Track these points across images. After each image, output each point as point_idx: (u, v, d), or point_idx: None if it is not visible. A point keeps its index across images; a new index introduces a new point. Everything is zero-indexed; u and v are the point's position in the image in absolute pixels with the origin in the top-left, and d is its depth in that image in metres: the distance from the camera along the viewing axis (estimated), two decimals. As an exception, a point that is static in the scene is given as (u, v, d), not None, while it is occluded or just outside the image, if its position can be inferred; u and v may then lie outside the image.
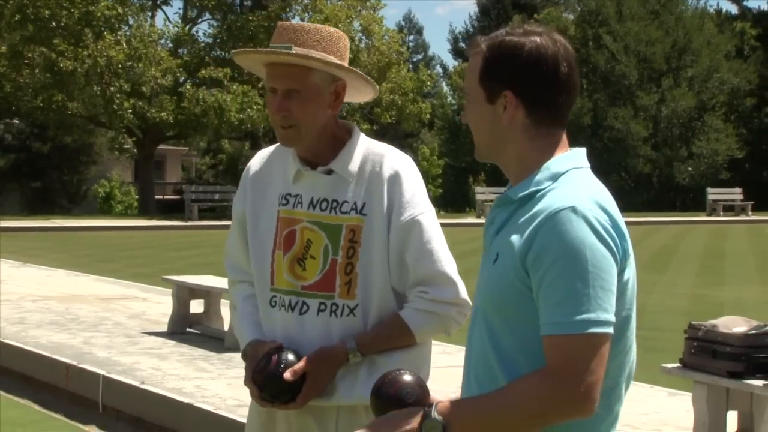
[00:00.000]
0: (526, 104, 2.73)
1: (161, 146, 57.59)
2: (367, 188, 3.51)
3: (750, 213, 47.40)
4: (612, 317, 2.56)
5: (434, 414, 2.63)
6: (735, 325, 7.08)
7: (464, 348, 2.92)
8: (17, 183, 61.72)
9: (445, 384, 10.42)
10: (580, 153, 2.83)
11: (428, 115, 57.05)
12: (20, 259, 23.36)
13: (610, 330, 2.56)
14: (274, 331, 3.52)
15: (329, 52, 3.53)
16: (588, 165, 2.83)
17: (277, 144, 3.71)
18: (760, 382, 6.77)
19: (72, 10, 47.47)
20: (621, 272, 2.66)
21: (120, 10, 49.77)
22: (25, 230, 36.12)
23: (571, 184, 2.71)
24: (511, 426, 2.67)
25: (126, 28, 50.59)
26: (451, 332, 3.61)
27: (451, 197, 58.41)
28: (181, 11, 54.64)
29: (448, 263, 3.51)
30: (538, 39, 2.73)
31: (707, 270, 22.67)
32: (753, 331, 6.95)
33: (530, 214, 2.67)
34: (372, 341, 3.44)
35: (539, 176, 2.74)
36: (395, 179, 3.52)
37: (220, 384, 9.90)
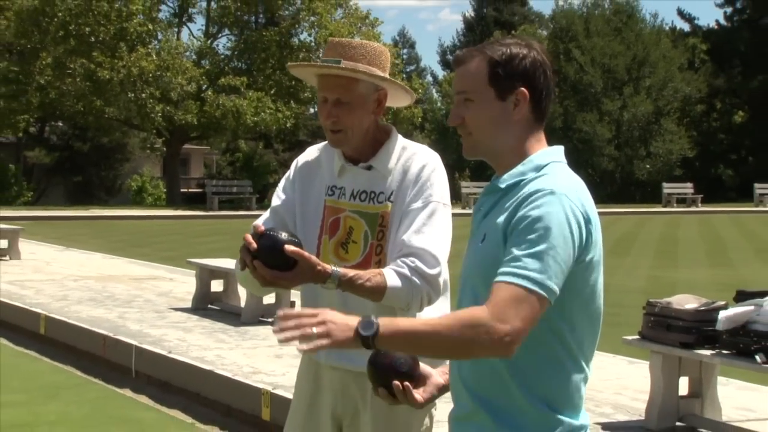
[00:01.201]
0: (533, 101, 2.78)
1: (186, 145, 57.43)
2: (398, 180, 3.61)
3: (700, 205, 47.38)
4: (554, 286, 2.57)
5: (372, 317, 2.64)
6: (686, 302, 7.08)
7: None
8: (61, 177, 61.56)
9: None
10: (559, 150, 2.87)
11: (420, 119, 56.93)
12: (63, 243, 23.32)
13: (548, 295, 2.56)
14: (317, 302, 3.54)
15: (373, 64, 3.62)
16: (565, 161, 2.85)
17: (325, 142, 3.75)
18: (707, 352, 6.79)
19: (108, 26, 47.41)
20: (585, 252, 2.68)
21: (150, 26, 49.73)
22: (68, 219, 36.01)
23: (552, 174, 2.74)
24: (433, 344, 2.64)
25: (156, 42, 50.43)
26: (412, 307, 3.49)
27: (438, 190, 58.44)
28: (203, 27, 54.43)
29: (439, 249, 3.50)
30: (532, 50, 2.81)
31: (663, 254, 22.65)
32: (702, 308, 6.96)
33: (514, 199, 2.71)
34: (353, 276, 3.39)
35: (524, 167, 2.77)
36: (422, 173, 3.60)
37: (237, 353, 9.90)
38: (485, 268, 2.70)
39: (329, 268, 3.38)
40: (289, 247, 3.32)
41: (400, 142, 3.70)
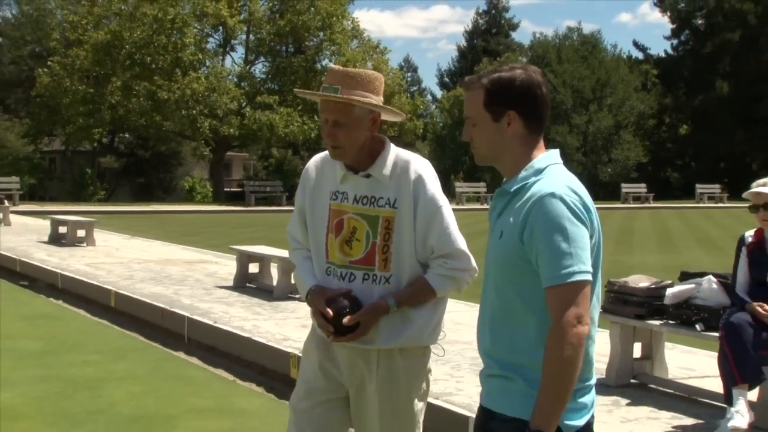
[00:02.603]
0: (524, 118, 2.84)
1: (228, 153, 57.51)
2: (397, 187, 3.54)
3: (651, 202, 47.28)
4: (589, 267, 2.71)
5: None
6: (640, 281, 7.10)
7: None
8: (127, 179, 61.79)
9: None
10: (555, 153, 2.93)
11: (421, 130, 56.88)
12: (129, 233, 23.32)
13: (589, 277, 2.70)
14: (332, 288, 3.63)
15: (368, 90, 3.51)
16: (561, 161, 2.92)
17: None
18: (657, 322, 6.82)
19: (166, 55, 47.49)
20: (590, 236, 2.76)
21: (200, 55, 49.86)
22: (133, 213, 36.08)
23: (551, 176, 2.81)
24: (565, 388, 2.66)
25: (204, 68, 50.47)
26: (461, 290, 3.69)
27: (437, 190, 58.40)
28: (243, 55, 54.43)
29: (462, 242, 3.59)
30: (522, 72, 2.86)
31: (621, 242, 22.60)
32: (653, 286, 6.97)
33: (522, 200, 2.79)
34: (407, 298, 3.52)
35: (526, 173, 2.84)
36: (419, 181, 3.55)
37: (270, 323, 9.88)
38: (503, 260, 2.82)
39: (385, 303, 3.49)
40: (346, 320, 3.43)
41: (393, 151, 3.64)
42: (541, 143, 2.91)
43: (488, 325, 2.89)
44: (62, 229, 20.22)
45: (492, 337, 2.87)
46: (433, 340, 3.66)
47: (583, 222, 2.74)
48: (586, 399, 2.79)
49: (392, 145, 3.65)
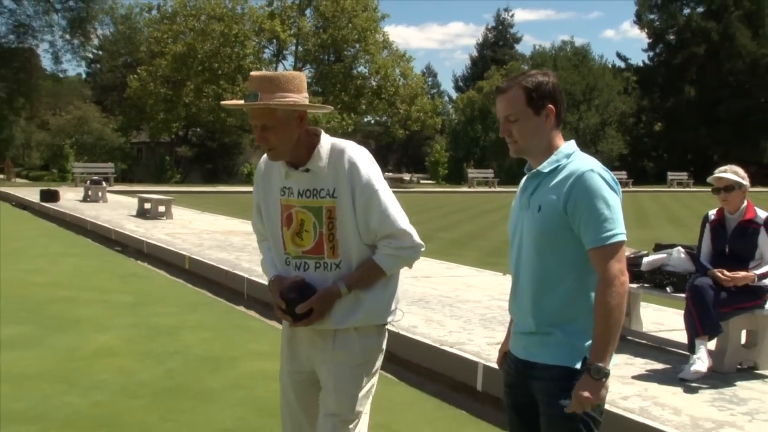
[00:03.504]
0: (556, 113, 2.87)
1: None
2: (334, 177, 3.14)
3: (631, 186, 46.93)
4: (624, 229, 2.75)
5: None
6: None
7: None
8: (197, 165, 62.02)
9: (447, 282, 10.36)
10: (573, 142, 2.93)
11: (439, 126, 56.81)
12: (199, 209, 23.47)
13: (625, 237, 2.74)
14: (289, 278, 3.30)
15: (287, 90, 3.11)
16: (579, 149, 2.91)
17: None
18: (635, 285, 6.79)
19: (230, 63, 47.91)
20: None
21: (258, 63, 50.00)
22: (202, 193, 36.25)
23: (581, 158, 2.84)
24: (619, 314, 2.69)
25: (261, 73, 50.57)
26: (411, 265, 3.31)
27: (452, 176, 57.96)
28: (293, 63, 54.41)
29: (402, 221, 3.19)
30: (551, 76, 2.90)
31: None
32: (631, 255, 6.94)
33: (560, 177, 2.78)
34: (357, 280, 3.17)
35: (557, 157, 2.85)
36: (353, 168, 3.14)
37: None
38: (547, 231, 2.77)
39: (336, 288, 3.17)
40: (297, 309, 3.14)
41: (328, 143, 3.21)
42: (561, 134, 2.93)
43: (527, 288, 2.85)
44: (147, 206, 20.55)
45: (531, 297, 2.83)
46: (385, 318, 3.28)
47: (616, 193, 2.76)
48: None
49: (327, 137, 3.25)
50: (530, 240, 2.82)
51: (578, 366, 2.70)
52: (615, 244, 2.70)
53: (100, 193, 26.63)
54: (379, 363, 3.34)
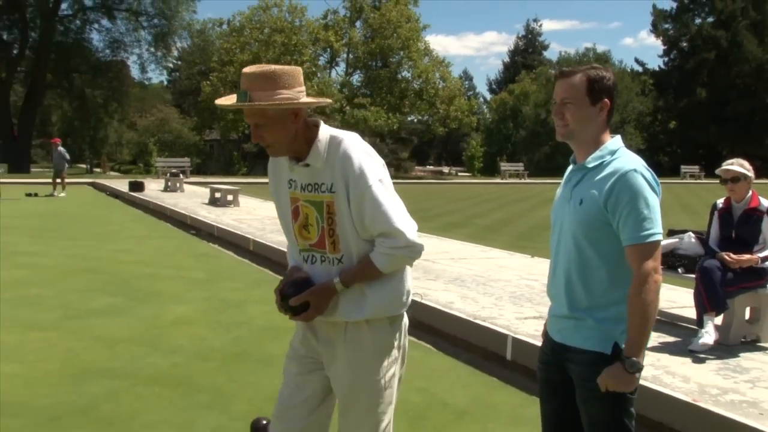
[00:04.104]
0: (609, 109, 2.70)
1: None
2: (332, 171, 2.72)
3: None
4: (661, 230, 2.58)
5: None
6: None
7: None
8: (262, 160, 61.76)
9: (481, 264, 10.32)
10: (619, 138, 2.75)
11: (475, 124, 56.50)
12: (262, 198, 23.43)
13: (662, 237, 2.57)
14: (304, 269, 2.90)
15: (279, 87, 2.65)
16: (624, 145, 2.74)
17: None
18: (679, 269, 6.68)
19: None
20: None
21: (314, 68, 50.11)
22: (265, 184, 36.07)
23: (626, 156, 2.65)
24: (653, 310, 2.56)
25: (317, 77, 50.66)
26: (411, 264, 2.85)
27: (486, 168, 57.77)
28: (344, 69, 54.55)
29: (397, 219, 2.69)
30: (612, 73, 2.72)
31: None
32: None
33: (603, 174, 2.62)
34: (351, 277, 2.75)
35: (602, 153, 2.67)
36: (346, 161, 2.69)
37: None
38: (587, 224, 2.62)
39: (331, 283, 2.77)
40: (291, 302, 2.80)
41: (326, 135, 2.77)
42: (608, 131, 2.75)
43: (562, 274, 2.72)
44: (217, 195, 20.74)
45: (566, 284, 2.70)
46: (397, 310, 2.84)
47: (657, 193, 2.59)
48: None
49: (326, 130, 2.80)
50: (570, 230, 2.68)
51: (609, 351, 2.59)
52: (652, 243, 2.55)
53: (178, 184, 27.05)
54: (395, 353, 2.87)
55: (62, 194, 25.58)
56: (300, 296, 2.77)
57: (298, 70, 2.74)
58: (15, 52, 51.89)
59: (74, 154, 52.11)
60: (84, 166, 65.29)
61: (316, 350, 2.89)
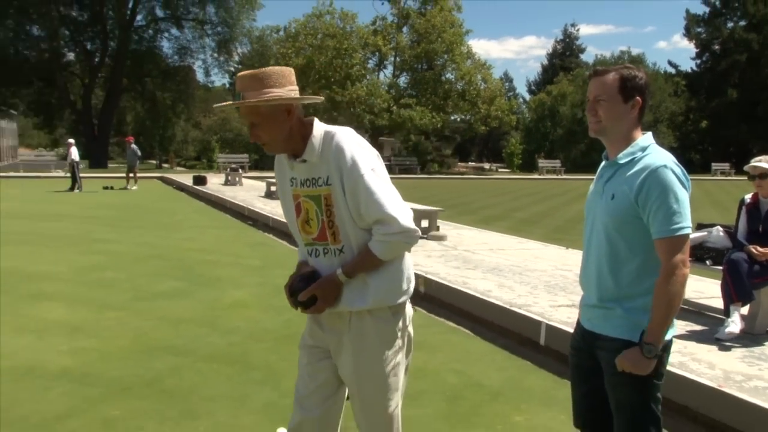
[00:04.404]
0: (641, 107, 2.63)
1: (381, 137, 57.58)
2: (327, 165, 2.61)
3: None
4: (690, 223, 2.51)
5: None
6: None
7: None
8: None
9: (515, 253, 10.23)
10: (650, 135, 2.68)
11: (515, 123, 56.07)
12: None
13: (690, 231, 2.50)
14: (310, 263, 2.80)
15: (271, 86, 2.59)
16: (655, 142, 2.67)
17: None
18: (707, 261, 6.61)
19: (341, 72, 48.06)
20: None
21: (363, 71, 50.11)
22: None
23: (656, 152, 2.59)
24: (678, 301, 2.51)
25: (366, 80, 50.72)
26: (408, 249, 2.71)
27: (525, 165, 57.31)
28: (391, 71, 54.47)
29: (390, 206, 2.58)
30: (645, 74, 2.66)
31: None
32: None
33: (635, 170, 2.55)
34: (353, 267, 2.65)
35: (633, 149, 2.61)
36: (338, 153, 2.58)
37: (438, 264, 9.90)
38: (619, 218, 2.57)
39: (334, 274, 2.66)
40: (300, 297, 2.70)
41: (320, 131, 2.66)
42: (640, 128, 2.67)
43: (594, 265, 2.68)
44: (273, 188, 20.88)
45: (597, 275, 2.66)
46: (397, 299, 2.71)
47: (686, 188, 2.52)
48: (674, 320, 2.62)
49: (320, 126, 2.69)
50: (601, 223, 2.63)
51: (637, 340, 2.55)
52: (681, 237, 2.48)
53: (237, 178, 27.35)
54: (399, 342, 2.75)
55: (134, 187, 26.08)
56: (307, 290, 2.69)
57: (288, 71, 2.68)
58: (96, 60, 53.91)
59: (145, 151, 53.10)
60: (154, 161, 66.33)
61: (324, 340, 2.79)
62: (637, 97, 2.62)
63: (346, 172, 2.57)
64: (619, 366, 2.55)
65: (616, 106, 2.61)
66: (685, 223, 2.49)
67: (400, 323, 2.74)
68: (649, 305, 2.54)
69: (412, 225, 2.61)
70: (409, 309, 2.79)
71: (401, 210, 2.60)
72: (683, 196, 2.50)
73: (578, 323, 2.87)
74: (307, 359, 2.82)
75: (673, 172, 2.51)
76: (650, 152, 2.59)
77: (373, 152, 2.67)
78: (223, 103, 2.70)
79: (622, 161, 2.61)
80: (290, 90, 2.63)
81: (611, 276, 2.61)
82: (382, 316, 2.69)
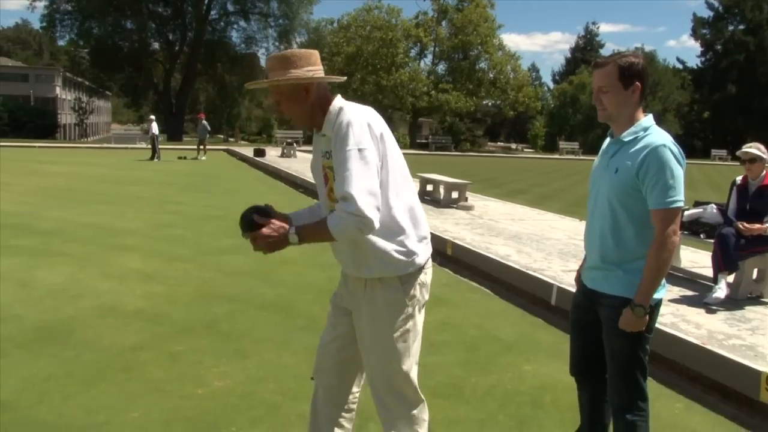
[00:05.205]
0: (641, 90, 2.56)
1: (420, 118, 57.37)
2: (334, 138, 2.36)
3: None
4: (683, 198, 2.49)
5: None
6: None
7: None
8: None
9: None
10: (651, 117, 2.60)
11: (539, 108, 55.46)
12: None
13: (683, 204, 2.49)
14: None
15: (291, 67, 2.39)
16: (655, 123, 2.59)
17: None
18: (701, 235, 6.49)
19: (387, 60, 47.84)
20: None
21: (406, 59, 49.86)
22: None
23: (657, 132, 2.53)
24: (666, 267, 2.48)
25: (408, 67, 50.41)
26: (359, 236, 2.30)
27: (548, 146, 56.61)
28: (431, 60, 54.05)
29: (355, 186, 2.22)
30: (642, 58, 2.59)
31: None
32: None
33: (637, 148, 2.50)
34: (305, 232, 2.36)
35: (636, 129, 2.55)
36: (338, 128, 2.32)
37: (437, 221, 9.79)
38: (621, 190, 2.53)
39: (287, 232, 2.39)
40: (256, 217, 2.44)
41: (336, 107, 2.42)
42: (641, 110, 2.61)
43: (598, 232, 2.64)
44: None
45: (600, 240, 2.62)
46: (404, 269, 2.42)
47: (682, 166, 2.48)
48: (663, 281, 2.60)
49: (338, 102, 2.45)
50: (605, 195, 2.59)
51: (633, 297, 2.54)
52: (674, 209, 2.46)
53: (292, 152, 27.37)
54: (408, 310, 2.47)
55: (204, 158, 26.36)
56: (259, 221, 2.41)
57: (310, 53, 2.47)
58: (176, 48, 55.63)
59: (214, 127, 53.66)
60: (221, 136, 66.94)
61: (348, 302, 2.59)
62: (636, 82, 2.55)
63: (337, 145, 2.31)
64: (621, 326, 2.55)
65: (618, 94, 2.55)
66: (679, 197, 2.46)
67: (411, 291, 2.46)
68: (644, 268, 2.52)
69: (368, 212, 2.23)
70: (421, 277, 2.49)
71: (365, 194, 2.23)
72: (679, 173, 2.46)
73: (580, 283, 2.85)
74: (332, 311, 2.68)
75: (671, 151, 2.46)
76: (651, 132, 2.54)
77: (374, 134, 2.34)
78: (251, 82, 2.55)
79: (626, 139, 2.56)
80: (308, 70, 2.43)
81: (613, 241, 2.59)
82: (392, 285, 2.44)
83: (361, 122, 2.33)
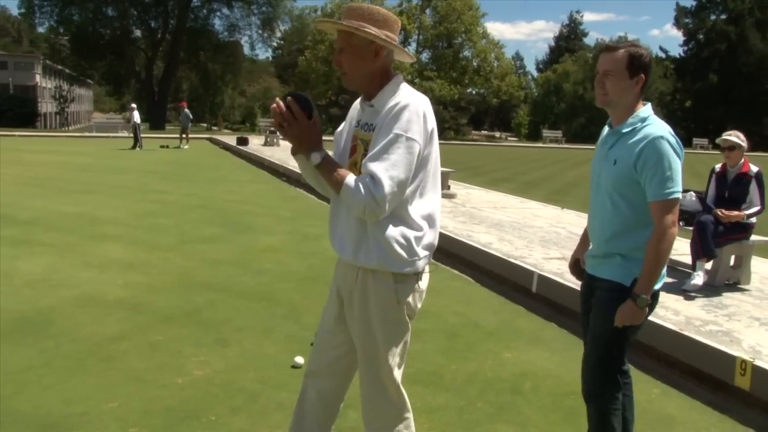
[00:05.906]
0: (645, 81, 2.57)
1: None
2: (384, 116, 2.19)
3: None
4: (681, 188, 2.49)
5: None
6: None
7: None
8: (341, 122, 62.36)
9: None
10: (650, 107, 2.60)
11: (523, 97, 55.58)
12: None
13: (681, 195, 2.49)
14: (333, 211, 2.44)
15: (368, 22, 2.23)
16: (654, 113, 2.59)
17: None
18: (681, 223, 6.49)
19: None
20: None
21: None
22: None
23: (655, 123, 2.53)
24: (667, 257, 2.48)
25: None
26: (363, 216, 2.18)
27: (531, 134, 56.92)
28: (415, 48, 53.78)
29: (389, 173, 2.11)
30: (649, 52, 2.58)
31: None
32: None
33: (635, 139, 2.50)
34: (328, 166, 2.23)
35: (634, 120, 2.55)
36: (394, 108, 2.17)
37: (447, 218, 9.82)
38: (620, 181, 2.54)
39: (313, 152, 2.24)
40: (291, 101, 2.23)
41: (398, 85, 2.27)
42: (641, 101, 2.61)
43: (599, 221, 2.66)
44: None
45: (600, 228, 2.64)
46: (402, 267, 2.25)
47: (680, 157, 2.48)
48: (663, 272, 2.59)
49: (399, 81, 2.29)
50: (605, 185, 2.61)
51: (628, 284, 2.54)
52: (672, 200, 2.46)
53: (275, 140, 27.18)
54: (398, 312, 2.33)
55: (186, 146, 26.16)
56: (298, 110, 2.23)
57: (394, 19, 2.31)
58: (158, 36, 55.23)
59: (197, 115, 53.38)
60: (204, 124, 66.47)
61: (341, 288, 2.45)
62: (642, 75, 2.56)
63: (385, 123, 2.17)
64: (618, 322, 2.54)
65: (622, 81, 2.55)
66: (677, 188, 2.47)
67: (404, 291, 2.31)
68: (642, 257, 2.53)
69: (386, 204, 2.14)
70: (418, 284, 2.34)
71: (394, 185, 2.13)
72: (676, 164, 2.47)
73: (580, 271, 2.91)
74: (328, 318, 2.52)
75: (669, 142, 2.46)
76: (649, 123, 2.54)
77: (427, 127, 2.23)
78: (322, 19, 2.35)
79: (624, 130, 2.56)
80: (386, 35, 2.26)
81: (612, 230, 2.61)
82: (384, 281, 2.28)
83: (418, 110, 2.19)
